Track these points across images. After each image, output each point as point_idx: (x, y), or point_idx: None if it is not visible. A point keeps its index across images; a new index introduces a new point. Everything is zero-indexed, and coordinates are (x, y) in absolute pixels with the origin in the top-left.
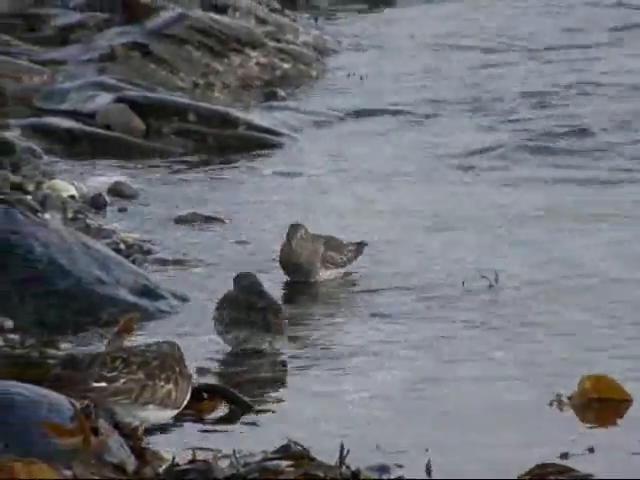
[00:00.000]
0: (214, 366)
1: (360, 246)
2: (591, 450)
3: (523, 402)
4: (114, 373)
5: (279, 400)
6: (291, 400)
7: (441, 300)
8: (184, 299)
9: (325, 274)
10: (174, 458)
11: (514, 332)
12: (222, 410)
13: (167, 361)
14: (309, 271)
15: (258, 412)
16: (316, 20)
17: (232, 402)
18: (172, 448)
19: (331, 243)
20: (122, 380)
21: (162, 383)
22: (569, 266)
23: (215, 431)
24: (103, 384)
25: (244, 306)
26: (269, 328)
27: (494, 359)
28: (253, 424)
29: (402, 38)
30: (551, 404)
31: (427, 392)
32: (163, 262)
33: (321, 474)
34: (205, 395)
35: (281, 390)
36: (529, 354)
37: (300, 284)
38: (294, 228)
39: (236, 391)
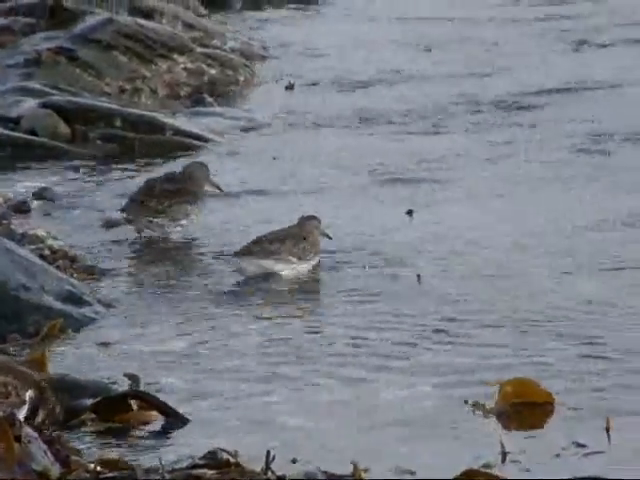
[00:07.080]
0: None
1: None
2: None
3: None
4: None
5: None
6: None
7: None
8: (109, 306)
9: None
10: (97, 466)
11: None
12: (150, 419)
13: None
14: None
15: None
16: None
17: (161, 411)
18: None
19: None
20: None
21: None
22: None
23: (143, 438)
24: None
25: None
26: None
27: None
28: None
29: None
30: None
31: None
32: (88, 268)
33: None
34: (133, 402)
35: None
36: None
37: None
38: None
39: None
